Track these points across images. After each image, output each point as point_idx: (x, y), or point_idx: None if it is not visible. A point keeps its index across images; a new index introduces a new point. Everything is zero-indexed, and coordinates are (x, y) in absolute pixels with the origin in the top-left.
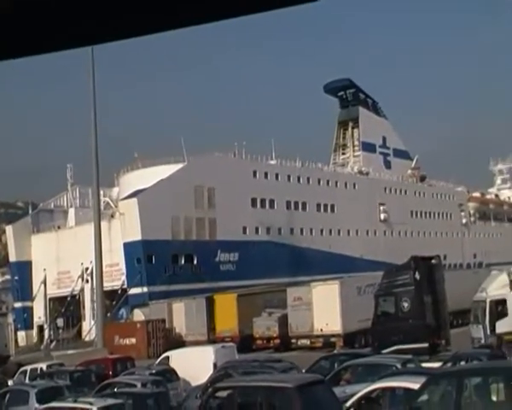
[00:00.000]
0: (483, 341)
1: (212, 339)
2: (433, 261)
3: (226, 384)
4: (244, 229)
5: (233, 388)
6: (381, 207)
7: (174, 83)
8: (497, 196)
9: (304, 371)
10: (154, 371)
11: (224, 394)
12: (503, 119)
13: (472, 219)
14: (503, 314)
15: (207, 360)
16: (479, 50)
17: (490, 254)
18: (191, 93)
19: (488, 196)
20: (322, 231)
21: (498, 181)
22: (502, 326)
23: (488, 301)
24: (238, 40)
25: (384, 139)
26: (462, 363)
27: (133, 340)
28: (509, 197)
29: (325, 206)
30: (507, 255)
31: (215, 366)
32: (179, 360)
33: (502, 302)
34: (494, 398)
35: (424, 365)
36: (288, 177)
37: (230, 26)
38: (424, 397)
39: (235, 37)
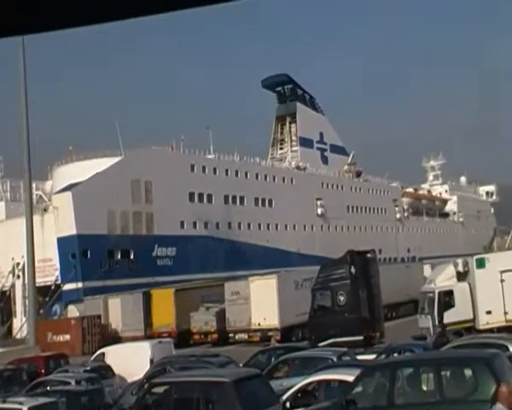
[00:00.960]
0: (431, 331)
1: (148, 335)
2: (368, 255)
3: (162, 380)
4: (182, 223)
5: (169, 383)
6: (318, 202)
7: (110, 76)
8: (429, 191)
9: (241, 365)
10: (88, 368)
11: (160, 390)
12: (436, 117)
13: (406, 214)
14: (450, 305)
15: (144, 356)
16: (411, 48)
17: (422, 249)
18: (128, 86)
19: (421, 192)
20: (259, 225)
21: (430, 177)
22: (449, 317)
23: (436, 292)
24: (175, 33)
25: (321, 135)
26: (396, 355)
27: (67, 337)
28: (440, 193)
29: (263, 200)
30: (438, 249)
31: (152, 361)
32: (115, 356)
33: (449, 293)
34: (424, 388)
35: (359, 357)
36: (226, 171)
37: (166, 18)
38: (358, 389)
39: (172, 29)
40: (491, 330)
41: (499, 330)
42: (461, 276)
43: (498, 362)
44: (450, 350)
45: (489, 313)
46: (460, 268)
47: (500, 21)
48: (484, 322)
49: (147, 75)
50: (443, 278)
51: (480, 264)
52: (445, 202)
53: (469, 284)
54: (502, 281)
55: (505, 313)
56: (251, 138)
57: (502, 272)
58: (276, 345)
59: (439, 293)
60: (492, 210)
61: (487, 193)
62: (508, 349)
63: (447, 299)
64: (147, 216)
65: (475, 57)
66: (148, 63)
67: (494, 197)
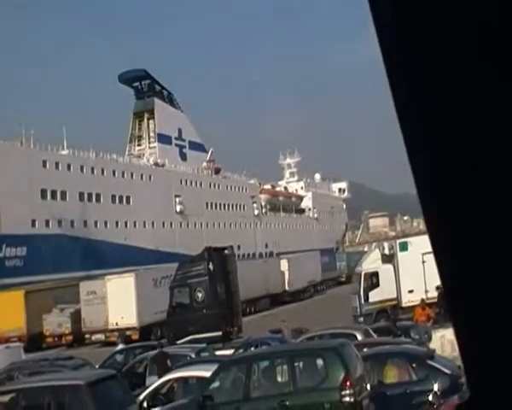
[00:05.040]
0: (358, 310)
1: None
2: (226, 252)
3: (8, 388)
4: (33, 222)
5: (16, 391)
6: (177, 199)
7: None
8: (286, 188)
9: (97, 366)
10: None
11: (5, 398)
12: (292, 116)
13: (263, 210)
14: (376, 285)
15: None
16: (268, 49)
17: (279, 244)
18: None
19: (278, 189)
20: (117, 223)
21: (287, 174)
22: (374, 296)
23: (363, 273)
24: (29, 23)
25: (180, 131)
26: (252, 349)
27: None
28: (296, 190)
29: (120, 198)
30: (295, 244)
31: None
32: None
33: (375, 275)
34: (279, 379)
35: (218, 352)
36: (81, 167)
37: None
38: (216, 384)
39: (27, 18)
40: (413, 308)
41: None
42: (387, 258)
43: (347, 351)
44: (303, 342)
45: (411, 291)
46: (386, 251)
47: (352, 27)
48: (406, 300)
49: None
50: (369, 261)
51: (403, 247)
52: (300, 198)
53: (394, 266)
54: (423, 262)
55: (426, 292)
56: (108, 135)
57: (423, 254)
58: (120, 347)
59: (365, 274)
60: (344, 206)
61: (340, 189)
62: (356, 338)
63: (372, 280)
64: None
65: (326, 59)
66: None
67: (346, 194)
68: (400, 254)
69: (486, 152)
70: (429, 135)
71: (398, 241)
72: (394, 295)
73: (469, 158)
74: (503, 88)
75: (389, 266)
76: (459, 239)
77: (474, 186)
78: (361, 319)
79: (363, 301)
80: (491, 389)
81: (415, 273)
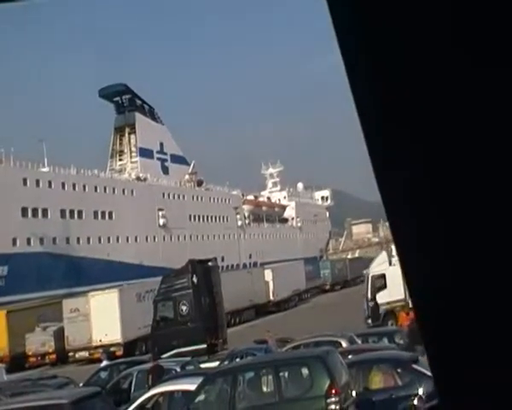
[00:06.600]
0: (366, 312)
1: None
2: (209, 264)
3: None
4: (14, 240)
5: None
6: (160, 213)
7: None
8: (269, 198)
9: (81, 384)
10: None
11: None
12: (273, 126)
13: (247, 221)
14: (384, 287)
15: None
16: (250, 66)
17: (264, 254)
18: None
19: (261, 199)
20: (100, 239)
21: (270, 184)
22: (382, 297)
23: (370, 276)
24: (10, 36)
25: (161, 145)
26: (238, 360)
27: None
28: (279, 200)
29: (103, 213)
30: (279, 254)
31: None
32: None
33: (382, 277)
34: (265, 389)
35: (203, 365)
36: (63, 184)
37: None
38: (201, 397)
39: (8, 30)
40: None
41: None
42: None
43: (332, 359)
44: (288, 351)
45: None
46: (394, 253)
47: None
48: None
49: None
50: (376, 264)
51: None
52: (283, 208)
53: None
54: None
55: None
56: (89, 150)
57: None
58: (105, 364)
59: (372, 277)
60: (328, 214)
61: (322, 198)
62: (341, 345)
63: (380, 282)
64: None
65: (303, 71)
66: None
67: (329, 202)
68: None
69: (447, 158)
70: (390, 143)
71: None
72: (402, 297)
73: (430, 164)
74: (463, 96)
75: (396, 268)
76: (425, 252)
77: (438, 196)
78: (369, 320)
79: (370, 303)
80: (458, 396)
81: None
